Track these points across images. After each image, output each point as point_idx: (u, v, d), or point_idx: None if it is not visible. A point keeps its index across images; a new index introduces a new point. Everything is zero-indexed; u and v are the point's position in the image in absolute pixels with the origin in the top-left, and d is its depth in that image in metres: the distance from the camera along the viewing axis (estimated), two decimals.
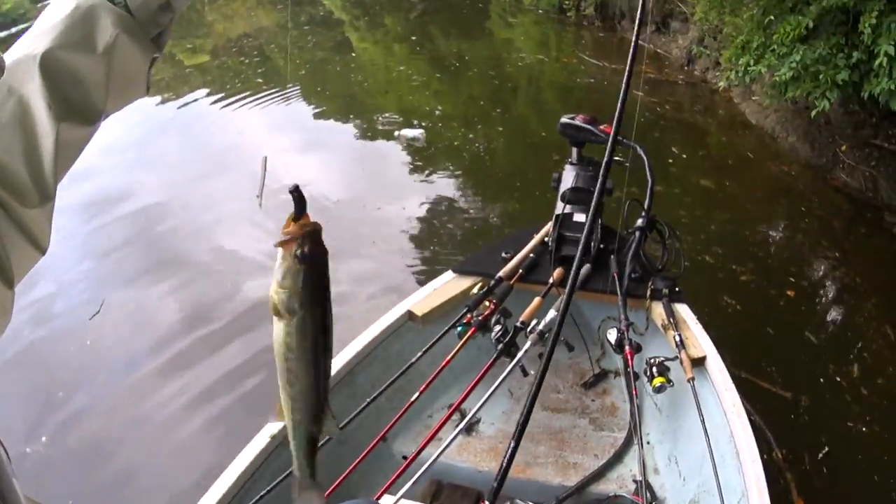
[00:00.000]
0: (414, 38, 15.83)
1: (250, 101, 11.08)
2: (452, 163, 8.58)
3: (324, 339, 1.13)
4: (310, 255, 1.04)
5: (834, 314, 5.72)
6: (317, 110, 11.00)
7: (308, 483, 1.24)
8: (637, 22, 2.73)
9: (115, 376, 5.12)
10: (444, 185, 7.95)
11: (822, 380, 4.89)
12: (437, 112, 10.62)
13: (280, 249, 1.03)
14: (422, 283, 5.76)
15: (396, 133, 9.16)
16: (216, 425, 4.61)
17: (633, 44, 2.64)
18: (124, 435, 4.64)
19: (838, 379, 4.88)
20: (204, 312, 5.71)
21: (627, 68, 2.60)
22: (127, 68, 1.04)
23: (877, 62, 5.75)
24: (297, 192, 1.05)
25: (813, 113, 6.67)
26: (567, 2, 15.00)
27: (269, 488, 2.47)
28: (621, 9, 13.72)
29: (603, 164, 2.68)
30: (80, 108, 0.99)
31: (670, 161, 7.86)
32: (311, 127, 10.34)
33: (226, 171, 8.12)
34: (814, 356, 5.14)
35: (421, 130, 9.08)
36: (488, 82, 12.06)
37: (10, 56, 0.95)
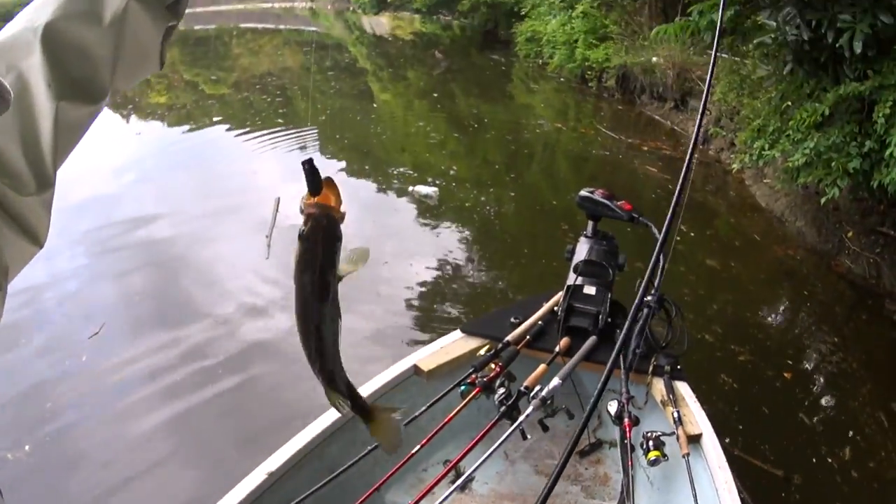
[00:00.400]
0: (435, 94, 16.02)
1: (268, 141, 11.28)
2: (462, 223, 8.70)
3: (319, 307, 1.21)
4: (305, 235, 1.15)
5: (829, 398, 5.77)
6: (333, 157, 11.22)
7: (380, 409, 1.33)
8: (692, 142, 2.79)
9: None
10: (452, 245, 8.05)
11: (814, 460, 4.93)
12: (452, 172, 10.78)
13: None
14: (420, 338, 5.85)
15: (410, 189, 9.34)
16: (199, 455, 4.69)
17: (688, 156, 2.68)
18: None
19: (830, 461, 4.92)
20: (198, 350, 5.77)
21: (685, 166, 2.64)
22: (138, 40, 0.95)
23: (888, 152, 5.87)
24: (308, 166, 1.16)
25: (823, 200, 6.78)
26: (589, 73, 15.21)
27: None
28: (642, 84, 13.91)
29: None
30: (83, 86, 0.91)
31: (678, 238, 7.93)
32: (325, 171, 10.47)
33: (236, 212, 8.27)
34: (807, 437, 5.18)
35: (434, 189, 9.23)
36: (504, 146, 12.24)
37: (8, 29, 0.88)
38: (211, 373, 5.38)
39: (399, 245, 8.03)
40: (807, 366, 6.14)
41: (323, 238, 1.16)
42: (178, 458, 4.63)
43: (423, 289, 7.01)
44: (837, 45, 6.22)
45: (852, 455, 4.97)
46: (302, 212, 1.11)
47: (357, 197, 9.58)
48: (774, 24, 6.86)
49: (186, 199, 8.79)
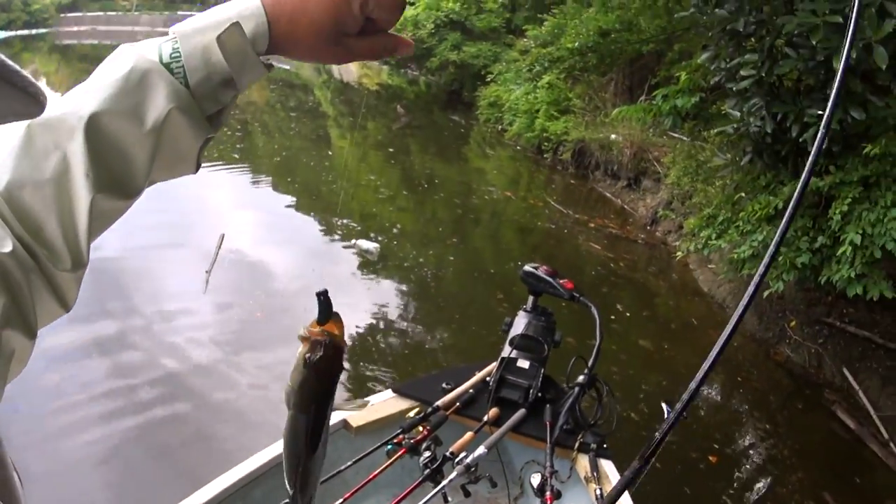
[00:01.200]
0: (391, 149, 16.08)
1: (222, 172, 11.24)
2: (399, 281, 8.78)
3: (311, 442, 1.19)
4: (316, 364, 1.09)
5: (756, 483, 5.82)
6: (283, 198, 11.31)
7: None
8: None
9: None
10: (387, 302, 8.10)
11: None
12: (396, 229, 10.88)
13: (300, 344, 1.09)
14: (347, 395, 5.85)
15: (353, 241, 9.37)
16: None
17: None
18: None
19: None
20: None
21: None
22: (176, 147, 0.94)
23: (841, 250, 5.98)
24: (324, 297, 1.10)
25: (766, 293, 6.87)
26: (546, 144, 15.39)
27: None
28: (597, 160, 14.08)
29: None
30: (119, 181, 0.90)
31: (612, 317, 8.05)
32: (274, 212, 10.65)
33: (181, 245, 8.26)
34: None
35: (376, 245, 9.30)
36: (452, 209, 12.36)
37: (57, 107, 0.86)
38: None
39: (336, 296, 7.98)
40: (734, 450, 6.17)
41: (330, 369, 1.13)
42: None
43: (352, 341, 6.98)
44: (801, 140, 6.31)
45: None
46: (306, 338, 1.11)
47: (301, 241, 9.73)
48: (738, 114, 7.00)
49: (136, 226, 8.71)
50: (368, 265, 8.96)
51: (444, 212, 12.20)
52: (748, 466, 6.07)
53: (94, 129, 0.85)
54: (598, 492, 3.15)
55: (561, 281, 3.69)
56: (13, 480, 0.81)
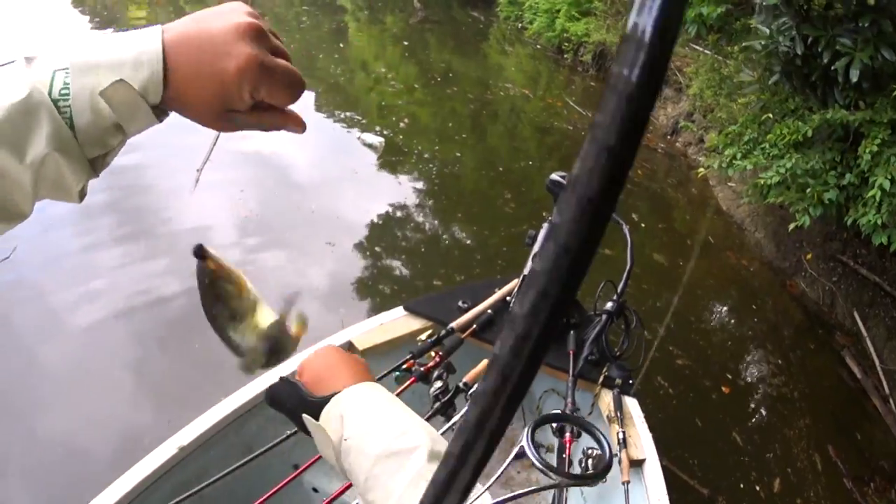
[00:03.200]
0: (407, 42, 15.73)
1: None
2: (411, 176, 8.62)
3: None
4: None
5: (765, 422, 5.64)
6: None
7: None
8: None
9: None
10: (398, 199, 7.91)
11: (742, 485, 4.82)
12: (403, 124, 10.56)
13: None
14: (344, 295, 5.68)
15: (358, 136, 9.26)
16: None
17: None
18: None
19: (758, 489, 4.82)
20: None
21: None
22: (57, 183, 0.88)
23: (869, 193, 5.63)
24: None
25: (791, 226, 6.55)
26: (566, 45, 14.98)
27: None
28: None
29: None
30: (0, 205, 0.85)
31: (619, 225, 7.74)
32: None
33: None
34: (737, 458, 5.07)
35: (381, 139, 9.14)
36: (466, 104, 11.98)
37: None
38: None
39: (351, 190, 7.89)
40: (747, 383, 6.02)
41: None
42: None
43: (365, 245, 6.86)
44: (832, 68, 5.99)
45: (781, 488, 4.87)
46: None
47: (317, 133, 9.41)
48: (767, 31, 6.61)
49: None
50: (382, 158, 8.76)
51: (461, 107, 11.82)
52: (759, 402, 5.90)
53: None
54: (620, 435, 2.90)
55: None
56: None
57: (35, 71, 0.84)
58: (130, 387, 4.68)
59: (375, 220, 7.30)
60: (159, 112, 0.88)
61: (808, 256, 7.46)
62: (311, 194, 7.40)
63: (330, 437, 1.01)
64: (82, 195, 0.93)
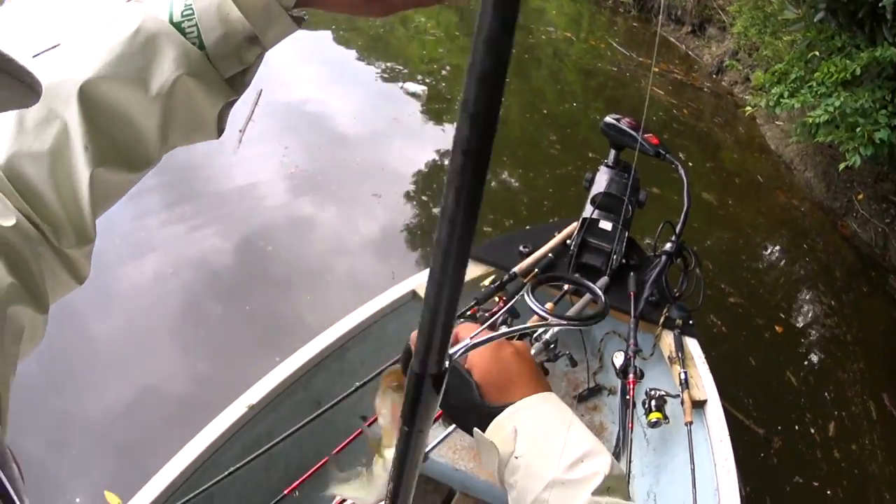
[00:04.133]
0: None
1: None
2: (451, 124, 8.38)
3: None
4: None
5: (820, 364, 5.61)
6: (343, 45, 10.86)
7: None
8: None
9: None
10: (438, 143, 7.90)
11: (797, 427, 4.80)
12: (445, 71, 10.47)
13: None
14: (394, 246, 5.71)
15: (400, 85, 9.21)
16: None
17: None
18: None
19: (813, 431, 4.79)
20: None
21: None
22: (190, 113, 0.86)
23: None
24: None
25: (841, 166, 6.46)
26: None
27: (240, 464, 2.31)
28: (660, 4, 13.51)
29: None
30: (124, 153, 0.83)
31: (674, 166, 7.66)
32: (332, 59, 10.20)
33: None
34: (792, 399, 5.06)
35: (424, 87, 9.05)
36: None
37: (50, 72, 0.77)
38: None
39: (400, 138, 7.91)
40: (800, 324, 5.97)
41: None
42: None
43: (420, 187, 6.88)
44: (879, 4, 5.82)
45: (836, 433, 4.84)
46: None
47: (356, 85, 9.41)
48: None
49: None
50: (429, 109, 8.70)
51: None
52: (812, 344, 5.85)
53: (91, 97, 0.78)
54: (682, 375, 2.91)
55: (646, 135, 3.36)
56: (14, 473, 0.72)
57: (147, 5, 0.82)
58: (190, 345, 4.73)
59: (423, 168, 7.27)
60: (296, 17, 0.85)
61: (860, 197, 7.34)
62: (356, 147, 7.35)
63: (499, 451, 0.91)
64: (220, 127, 0.91)
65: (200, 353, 4.63)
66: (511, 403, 0.94)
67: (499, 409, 0.93)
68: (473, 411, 0.97)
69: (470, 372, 0.99)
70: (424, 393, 0.66)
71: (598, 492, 0.83)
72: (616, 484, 0.85)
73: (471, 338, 0.86)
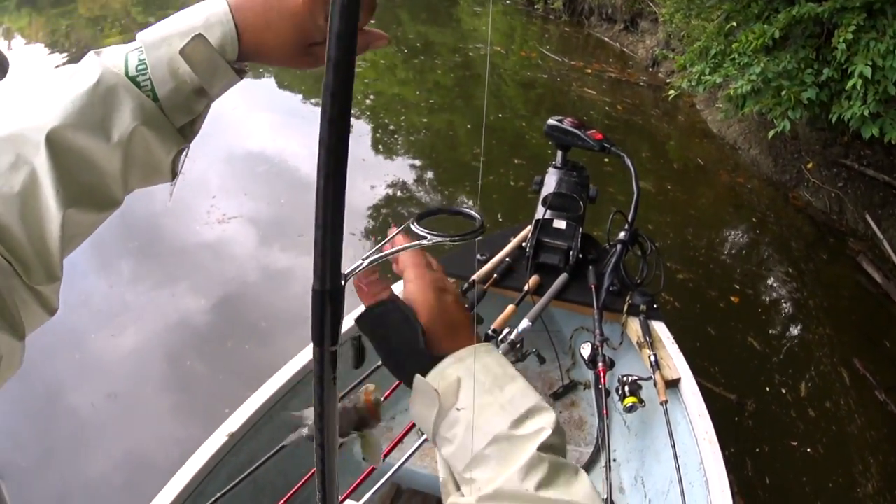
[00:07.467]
0: (373, 22, 15.67)
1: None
2: (401, 155, 8.62)
3: None
4: None
5: (783, 328, 5.71)
6: (288, 90, 10.96)
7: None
8: None
9: None
10: (390, 175, 7.89)
11: (767, 389, 4.88)
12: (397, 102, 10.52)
13: None
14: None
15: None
16: None
17: None
18: None
19: (784, 392, 4.86)
20: None
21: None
22: (147, 159, 0.92)
23: (850, 83, 5.47)
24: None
25: (771, 133, 6.50)
26: None
27: (225, 490, 2.33)
28: (590, 5, 13.67)
29: None
30: (92, 194, 0.88)
31: (605, 160, 7.67)
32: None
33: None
34: (759, 364, 5.14)
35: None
36: (447, 73, 11.97)
37: (15, 120, 0.83)
38: None
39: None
40: (757, 293, 6.01)
41: None
42: None
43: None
44: None
45: (808, 393, 4.90)
46: None
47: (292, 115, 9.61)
48: None
49: None
50: (377, 142, 8.80)
51: (443, 77, 11.72)
52: (774, 310, 5.92)
53: (59, 144, 0.83)
54: (651, 358, 2.96)
55: (589, 132, 3.42)
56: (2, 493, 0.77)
57: (105, 59, 0.88)
58: (175, 402, 4.70)
59: (378, 201, 7.29)
60: (238, 70, 0.91)
61: (810, 165, 7.43)
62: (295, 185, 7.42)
63: (440, 401, 0.86)
64: (174, 171, 0.98)
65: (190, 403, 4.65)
66: (454, 352, 0.89)
67: (440, 357, 0.89)
68: (413, 356, 0.91)
69: (418, 314, 0.92)
70: (327, 307, 0.70)
71: (543, 448, 0.82)
72: (558, 441, 0.85)
73: (363, 258, 0.83)
